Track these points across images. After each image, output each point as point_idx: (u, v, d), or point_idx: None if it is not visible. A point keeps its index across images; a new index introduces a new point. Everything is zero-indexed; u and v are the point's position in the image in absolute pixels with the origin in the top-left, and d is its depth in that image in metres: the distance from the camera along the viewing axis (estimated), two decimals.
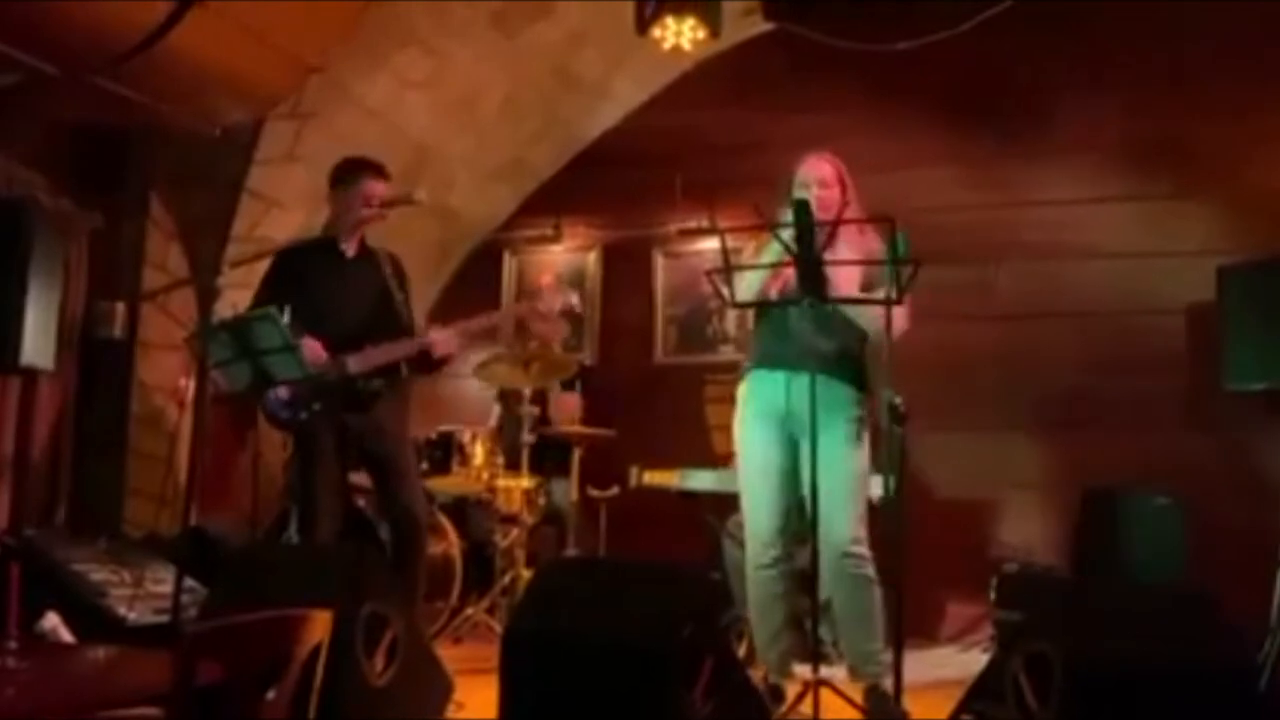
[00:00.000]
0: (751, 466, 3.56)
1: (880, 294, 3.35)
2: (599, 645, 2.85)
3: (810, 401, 3.19)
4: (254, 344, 3.62)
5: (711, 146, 6.17)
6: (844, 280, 3.38)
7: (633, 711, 2.76)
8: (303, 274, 4.11)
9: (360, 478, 4.55)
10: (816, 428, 3.21)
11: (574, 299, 4.47)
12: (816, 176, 3.56)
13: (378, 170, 4.17)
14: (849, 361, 3.52)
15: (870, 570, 3.39)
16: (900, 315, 3.36)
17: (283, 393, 3.95)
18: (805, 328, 3.29)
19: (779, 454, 3.50)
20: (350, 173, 4.16)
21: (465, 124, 5.94)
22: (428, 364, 4.20)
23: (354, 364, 4.06)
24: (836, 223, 3.30)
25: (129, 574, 4.14)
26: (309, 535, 3.98)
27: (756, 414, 3.56)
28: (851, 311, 3.46)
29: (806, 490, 3.30)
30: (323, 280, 4.14)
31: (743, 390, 3.65)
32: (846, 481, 3.41)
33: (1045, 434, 5.43)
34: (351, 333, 4.09)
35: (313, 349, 3.97)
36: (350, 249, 4.22)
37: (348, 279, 4.19)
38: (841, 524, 3.36)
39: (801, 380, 3.32)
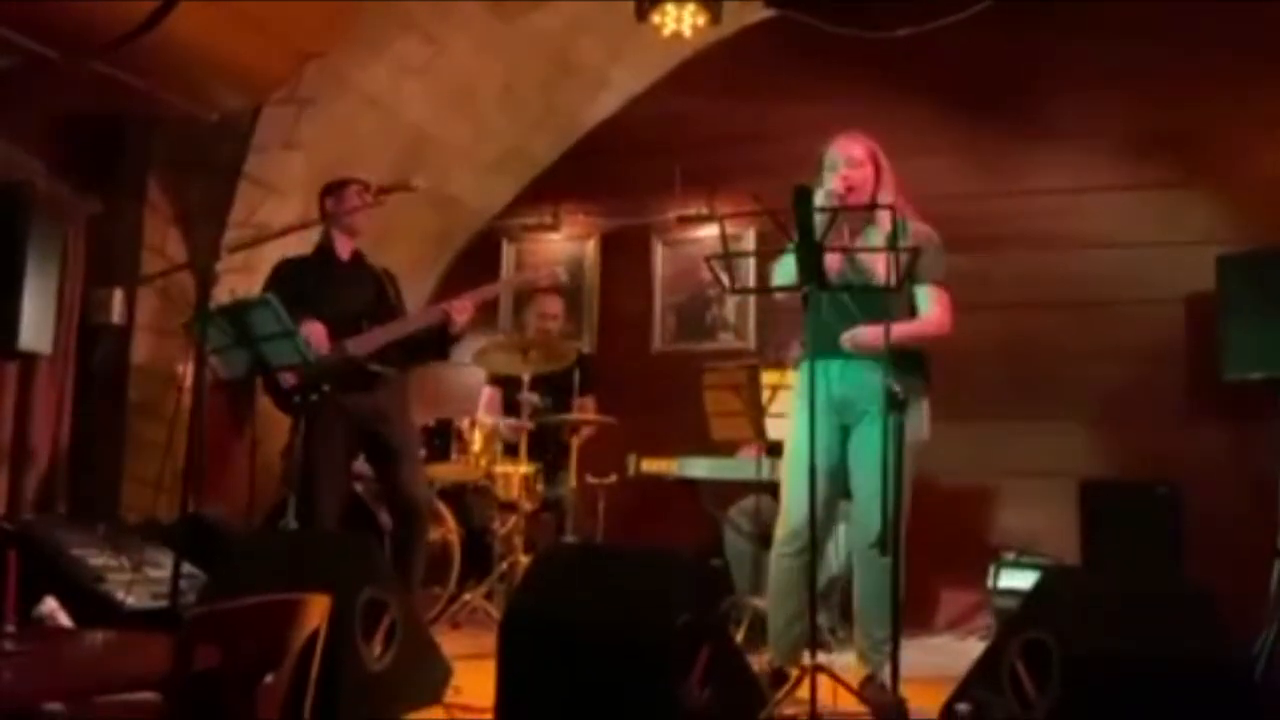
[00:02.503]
0: (794, 454, 3.55)
1: (926, 282, 3.37)
2: (596, 631, 2.85)
3: (811, 391, 3.18)
4: (252, 330, 3.63)
5: (711, 134, 6.16)
6: (880, 268, 3.34)
7: (630, 697, 2.76)
8: (300, 276, 4.22)
9: (359, 464, 4.57)
10: (860, 416, 3.26)
11: (560, 271, 4.80)
12: (845, 156, 3.51)
13: (362, 182, 4.37)
14: (899, 348, 3.45)
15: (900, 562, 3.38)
16: (943, 313, 3.42)
17: (289, 377, 3.98)
18: (831, 316, 3.28)
19: (823, 443, 3.43)
20: (337, 185, 4.38)
21: (464, 112, 5.93)
22: (443, 343, 4.26)
23: (353, 346, 4.11)
24: (835, 210, 3.28)
25: (127, 559, 4.14)
26: (310, 517, 3.99)
27: (807, 403, 3.53)
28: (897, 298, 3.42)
29: (853, 477, 3.35)
30: (320, 281, 4.25)
31: (797, 379, 3.66)
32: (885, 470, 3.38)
33: (1044, 422, 5.43)
34: (349, 322, 4.17)
35: (316, 332, 4.02)
36: (344, 254, 4.37)
37: (345, 279, 4.32)
38: (876, 512, 3.33)
39: (850, 368, 3.33)
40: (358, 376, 4.11)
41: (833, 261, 3.28)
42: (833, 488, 3.49)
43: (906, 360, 3.41)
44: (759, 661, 3.52)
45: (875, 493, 3.29)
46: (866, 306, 3.38)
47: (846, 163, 3.50)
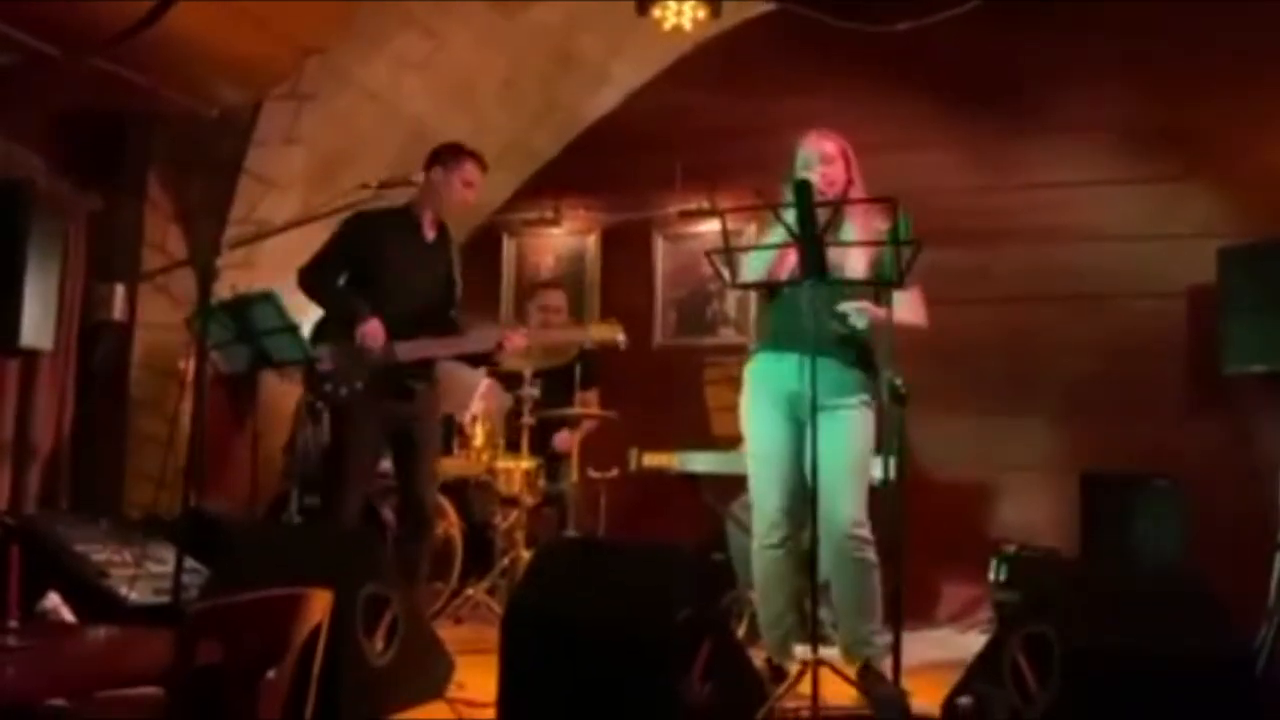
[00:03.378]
0: (759, 448, 3.56)
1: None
2: (598, 626, 2.86)
3: (812, 383, 3.19)
4: (254, 324, 3.62)
5: (711, 128, 6.15)
6: (851, 261, 3.36)
7: (631, 692, 2.77)
8: (378, 243, 4.07)
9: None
10: (820, 410, 3.23)
11: (623, 340, 4.43)
12: (819, 153, 3.52)
13: (479, 159, 4.21)
14: (855, 344, 3.50)
15: (871, 553, 3.40)
16: (918, 309, 3.40)
17: (326, 365, 3.94)
18: (811, 310, 3.28)
19: (786, 436, 3.49)
20: (452, 155, 4.18)
21: (464, 106, 5.92)
22: (481, 360, 4.24)
23: (403, 352, 4.03)
24: (838, 203, 3.28)
25: (130, 554, 4.14)
26: (335, 514, 3.97)
27: (764, 395, 3.56)
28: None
29: (819, 471, 3.31)
30: (398, 258, 4.11)
31: (749, 371, 3.64)
32: (850, 464, 3.41)
33: (1045, 416, 5.44)
34: (411, 319, 4.07)
35: (372, 331, 3.96)
36: (431, 231, 4.21)
37: (423, 263, 4.17)
38: (844, 506, 3.36)
39: (807, 364, 3.33)
40: (397, 380, 4.04)
41: (794, 257, 3.28)
42: (798, 477, 3.47)
43: (860, 358, 3.48)
44: (760, 656, 3.52)
45: (839, 488, 3.34)
46: (831, 302, 3.38)
47: (821, 160, 3.51)
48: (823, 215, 3.16)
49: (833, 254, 3.31)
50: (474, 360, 4.35)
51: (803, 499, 3.42)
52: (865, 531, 3.40)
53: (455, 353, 4.18)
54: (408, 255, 4.12)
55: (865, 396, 3.49)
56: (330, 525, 4.03)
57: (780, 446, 3.49)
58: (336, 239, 4.11)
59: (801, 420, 3.47)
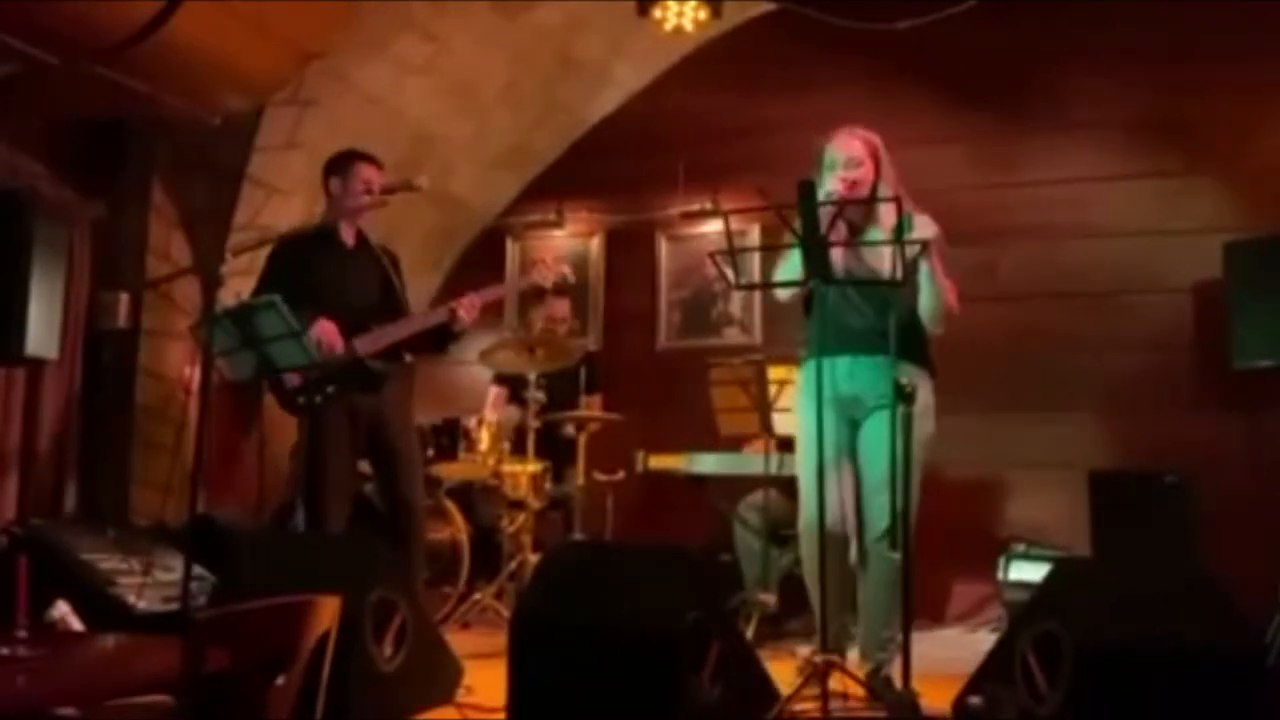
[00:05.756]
0: (808, 452, 3.50)
1: (923, 273, 3.33)
2: (606, 629, 2.85)
3: (818, 384, 3.18)
4: (258, 332, 3.62)
5: (714, 129, 6.15)
6: (880, 260, 3.32)
7: (640, 695, 2.76)
8: (304, 264, 4.11)
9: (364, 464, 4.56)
10: (869, 411, 3.26)
11: (566, 269, 4.65)
12: (845, 155, 3.43)
13: (371, 159, 4.24)
14: (907, 341, 3.36)
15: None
16: (949, 297, 3.40)
17: (294, 378, 3.95)
18: (855, 309, 3.27)
19: (837, 439, 3.40)
20: (344, 162, 4.23)
21: (466, 110, 5.92)
22: (443, 339, 4.24)
23: (362, 346, 4.07)
24: (840, 203, 3.27)
25: (137, 562, 4.15)
26: (318, 522, 3.97)
27: (814, 400, 3.49)
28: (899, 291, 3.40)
29: (861, 472, 3.35)
30: (325, 269, 4.15)
31: (801, 376, 3.61)
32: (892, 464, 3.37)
33: (1052, 413, 5.42)
34: (358, 317, 4.11)
35: (328, 331, 3.98)
36: (350, 239, 4.25)
37: (350, 267, 4.22)
38: (883, 507, 3.31)
39: (857, 365, 3.32)
40: (363, 376, 4.08)
41: (837, 257, 3.27)
42: (849, 482, 3.45)
43: (913, 352, 3.41)
44: (767, 658, 3.50)
45: (881, 487, 3.30)
46: (873, 301, 3.37)
47: (846, 163, 3.43)
48: (854, 216, 3.14)
49: (867, 255, 3.29)
50: (435, 343, 4.35)
51: (850, 502, 3.43)
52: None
53: (411, 332, 4.19)
54: (334, 265, 4.17)
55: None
56: (337, 531, 4.02)
57: (830, 450, 3.34)
58: (266, 271, 4.16)
59: (855, 420, 3.47)
